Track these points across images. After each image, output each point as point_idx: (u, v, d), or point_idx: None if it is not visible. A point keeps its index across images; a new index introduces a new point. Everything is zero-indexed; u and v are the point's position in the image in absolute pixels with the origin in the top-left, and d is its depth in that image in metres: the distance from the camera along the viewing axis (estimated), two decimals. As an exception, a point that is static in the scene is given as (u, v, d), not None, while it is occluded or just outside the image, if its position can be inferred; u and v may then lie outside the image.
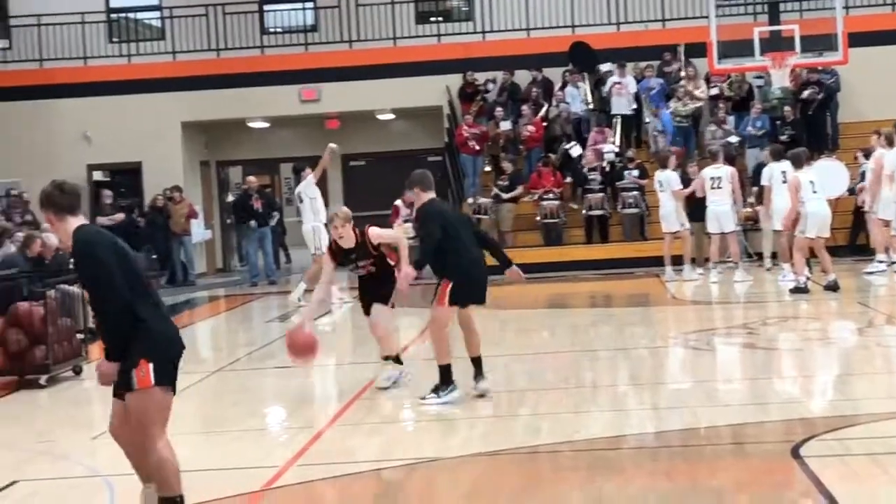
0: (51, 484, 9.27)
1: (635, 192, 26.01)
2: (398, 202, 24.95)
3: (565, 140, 27.78)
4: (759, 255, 23.89)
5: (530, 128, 28.03)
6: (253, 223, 27.04)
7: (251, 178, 28.31)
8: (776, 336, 15.86)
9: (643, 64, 28.68)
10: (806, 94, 27.30)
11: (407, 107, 30.05)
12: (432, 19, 30.56)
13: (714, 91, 28.08)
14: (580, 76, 28.61)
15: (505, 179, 27.02)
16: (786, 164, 20.27)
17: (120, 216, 27.58)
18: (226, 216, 32.18)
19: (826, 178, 20.38)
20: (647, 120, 28.08)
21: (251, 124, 31.51)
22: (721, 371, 13.87)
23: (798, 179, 19.03)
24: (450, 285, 11.54)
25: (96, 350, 16.99)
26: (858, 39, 25.40)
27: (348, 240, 12.62)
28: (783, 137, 25.79)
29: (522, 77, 29.33)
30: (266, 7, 30.82)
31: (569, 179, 27.02)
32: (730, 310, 19.54)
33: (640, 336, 16.28)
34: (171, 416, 7.32)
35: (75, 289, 18.13)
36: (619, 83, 28.00)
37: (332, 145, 21.58)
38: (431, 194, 11.75)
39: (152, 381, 7.07)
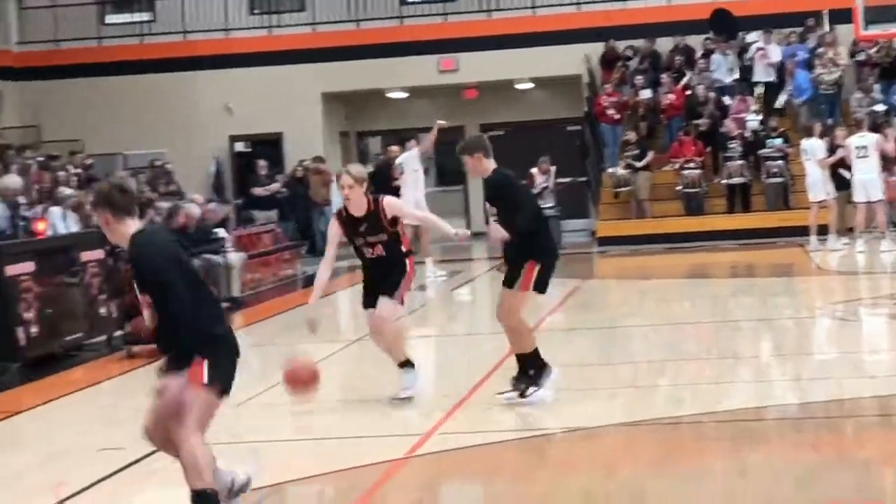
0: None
1: (780, 161, 25.58)
2: (534, 170, 24.92)
3: (705, 109, 27.41)
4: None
5: (671, 96, 27.73)
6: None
7: (393, 148, 28.32)
8: (924, 307, 15.54)
9: (787, 30, 28.18)
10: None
11: (545, 76, 29.88)
12: (572, -13, 30.32)
13: (861, 57, 27.48)
14: (727, 45, 28.21)
15: (633, 149, 26.76)
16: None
17: (275, 186, 27.83)
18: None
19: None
20: (790, 88, 27.59)
21: (390, 95, 31.62)
22: (867, 342, 13.61)
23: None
24: (536, 267, 10.13)
25: (238, 319, 17.22)
26: None
27: (358, 206, 10.46)
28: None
29: (663, 45, 29.01)
30: (405, -23, 30.84)
31: (710, 149, 26.70)
32: (876, 280, 19.17)
33: (783, 306, 16.05)
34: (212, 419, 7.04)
35: (219, 259, 18.42)
36: (762, 50, 27.56)
37: (441, 122, 21.51)
38: (493, 162, 10.31)
39: (205, 381, 6.91)
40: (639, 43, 29.11)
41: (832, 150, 22.41)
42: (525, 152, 28.67)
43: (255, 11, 30.94)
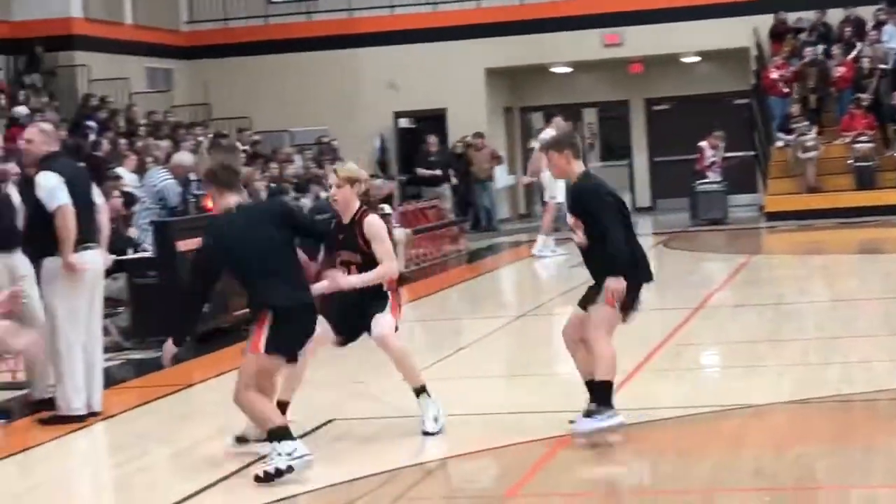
0: (363, 423, 9.46)
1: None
2: (703, 143, 24.65)
3: (869, 82, 26.75)
4: None
5: (841, 68, 27.15)
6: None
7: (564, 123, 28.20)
8: None
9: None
10: None
11: (712, 49, 29.48)
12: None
13: None
14: (901, 15, 27.56)
15: (801, 121, 26.22)
16: None
17: (437, 172, 27.65)
18: (528, 162, 32.26)
19: None
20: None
21: (553, 69, 31.49)
22: None
23: None
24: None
25: (404, 294, 17.32)
26: None
27: (343, 209, 8.80)
28: None
29: (833, 16, 28.42)
30: (569, -49, 30.65)
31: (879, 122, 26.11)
32: None
33: (958, 283, 15.64)
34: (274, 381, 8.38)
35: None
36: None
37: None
38: (582, 164, 8.78)
39: (261, 349, 7.94)
40: (808, 14, 28.56)
41: None
42: (691, 126, 28.41)
43: (419, -13, 31.04)
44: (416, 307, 16.19)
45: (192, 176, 15.86)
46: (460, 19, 29.89)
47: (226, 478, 8.13)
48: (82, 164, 13.14)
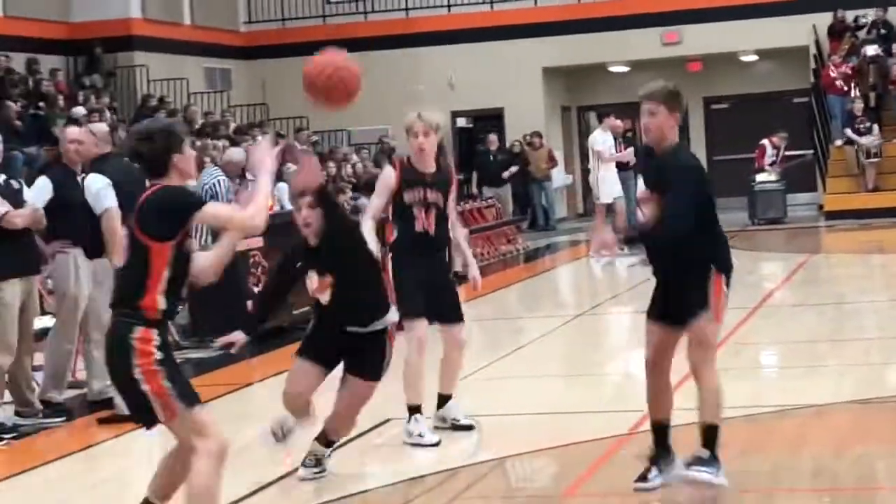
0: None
1: None
2: (765, 141, 24.50)
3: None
4: None
5: (901, 66, 26.92)
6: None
7: (617, 122, 28.10)
8: None
9: None
10: None
11: (771, 47, 29.28)
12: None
13: None
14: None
15: (863, 121, 25.99)
16: None
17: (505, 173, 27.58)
18: (586, 161, 32.18)
19: None
20: None
21: (611, 68, 31.37)
22: None
23: None
24: (723, 281, 7.09)
25: (462, 293, 17.29)
26: None
27: (430, 156, 8.94)
28: None
29: (893, 14, 28.16)
30: (627, -51, 30.53)
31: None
32: None
33: None
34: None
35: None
36: None
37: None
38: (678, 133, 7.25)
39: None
40: (868, 12, 28.31)
41: None
42: (749, 125, 28.24)
43: (477, -14, 31.01)
44: (474, 306, 16.13)
45: (249, 176, 15.90)
46: (517, 18, 29.85)
47: (282, 477, 8.14)
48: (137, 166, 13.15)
